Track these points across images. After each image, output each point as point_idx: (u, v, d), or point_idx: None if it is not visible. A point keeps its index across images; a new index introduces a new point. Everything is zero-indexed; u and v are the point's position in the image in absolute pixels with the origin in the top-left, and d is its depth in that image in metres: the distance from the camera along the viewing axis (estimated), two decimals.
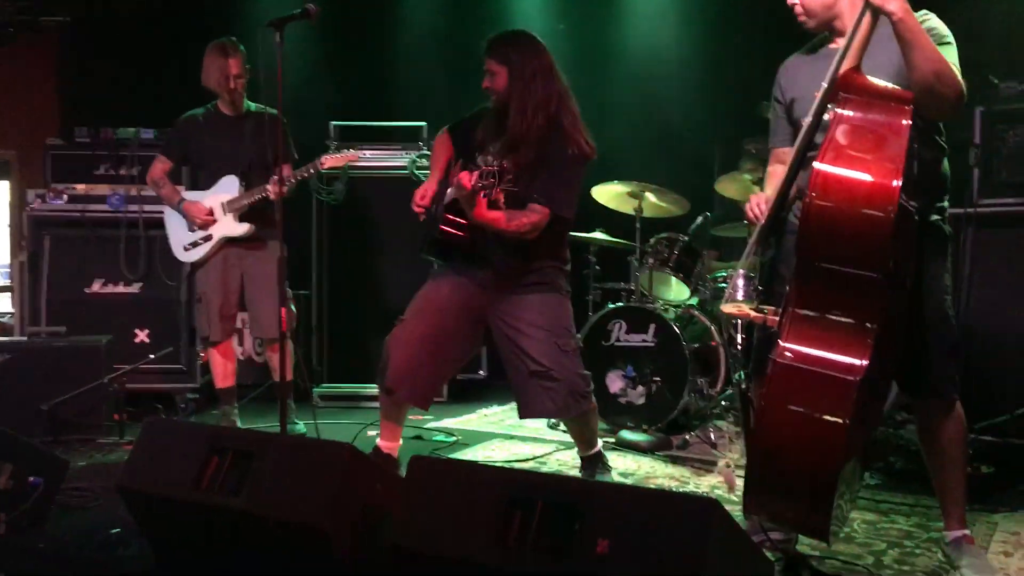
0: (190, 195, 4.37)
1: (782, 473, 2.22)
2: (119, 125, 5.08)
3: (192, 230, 4.34)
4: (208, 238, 4.30)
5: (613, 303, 4.73)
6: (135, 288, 4.97)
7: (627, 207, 4.85)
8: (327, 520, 2.15)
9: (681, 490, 3.51)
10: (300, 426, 4.43)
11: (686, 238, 4.76)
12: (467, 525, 1.98)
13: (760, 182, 4.37)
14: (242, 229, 4.24)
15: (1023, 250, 3.60)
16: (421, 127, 5.44)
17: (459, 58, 5.56)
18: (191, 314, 4.95)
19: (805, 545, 2.73)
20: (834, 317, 2.21)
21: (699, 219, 4.88)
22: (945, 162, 2.56)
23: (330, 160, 4.20)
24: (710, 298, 4.71)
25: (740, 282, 4.64)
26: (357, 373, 5.26)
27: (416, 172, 5.18)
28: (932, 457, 2.61)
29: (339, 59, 6.31)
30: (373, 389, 4.94)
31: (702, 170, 5.90)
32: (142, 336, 4.96)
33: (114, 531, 2.87)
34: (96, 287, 4.96)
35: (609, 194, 4.85)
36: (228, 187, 4.30)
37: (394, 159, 5.34)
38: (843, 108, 2.23)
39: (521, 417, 3.38)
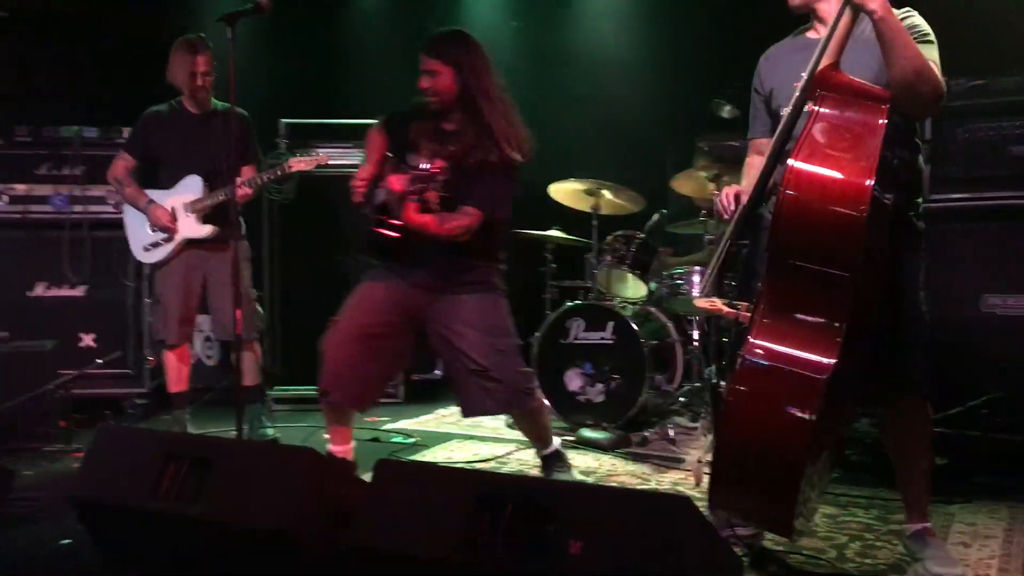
0: (153, 195, 4.22)
1: (747, 469, 2.23)
2: (61, 123, 4.93)
3: (153, 230, 4.22)
4: (169, 239, 4.19)
5: (570, 301, 4.73)
6: (79, 291, 4.83)
7: (583, 205, 4.85)
8: (292, 525, 2.11)
9: (643, 487, 3.51)
10: (270, 430, 4.33)
11: (643, 235, 4.77)
12: (436, 528, 1.95)
13: (716, 179, 4.40)
14: (205, 231, 4.13)
15: (973, 245, 3.65)
16: (373, 124, 5.36)
17: (411, 54, 5.50)
18: (139, 316, 4.84)
19: (769, 540, 2.75)
20: (803, 315, 2.22)
21: (655, 216, 4.89)
22: (920, 160, 2.59)
23: (298, 163, 4.12)
24: (667, 295, 4.73)
25: (696, 278, 4.67)
26: (311, 375, 5.16)
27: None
28: (898, 451, 2.64)
29: (289, 55, 6.21)
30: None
31: (655, 168, 5.93)
32: (88, 340, 4.82)
33: (65, 542, 2.79)
34: (39, 290, 4.81)
35: (565, 192, 4.85)
36: (191, 187, 4.17)
37: (346, 157, 5.26)
38: (820, 105, 2.24)
39: (464, 416, 3.35)
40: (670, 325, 4.66)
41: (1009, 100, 3.61)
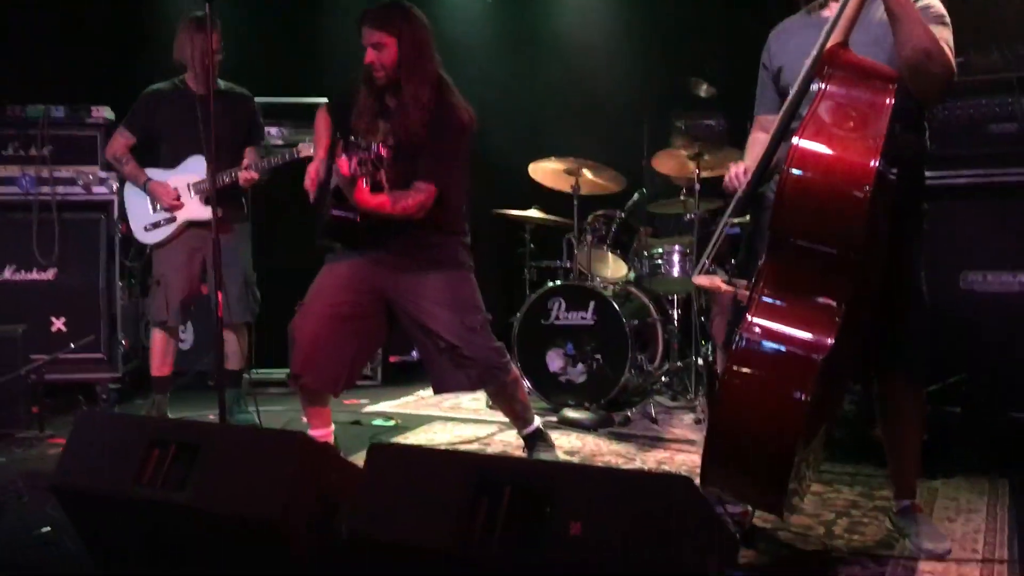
0: (155, 174, 4.15)
1: (740, 447, 2.22)
2: (27, 102, 4.79)
3: (155, 210, 4.13)
4: (172, 219, 4.10)
5: (549, 281, 4.71)
6: (49, 274, 4.71)
7: (563, 185, 4.82)
8: (282, 512, 2.07)
9: (629, 467, 3.51)
10: (251, 416, 4.26)
11: (623, 215, 4.75)
12: (432, 513, 1.92)
13: (697, 157, 4.39)
14: (208, 213, 3.97)
15: (953, 223, 3.66)
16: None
17: None
18: (112, 300, 4.74)
19: (758, 517, 2.75)
20: (803, 294, 2.21)
21: (635, 196, 4.87)
22: (926, 140, 2.58)
23: (307, 149, 4.05)
24: (647, 275, 4.72)
25: (676, 257, 4.67)
26: (287, 359, 5.11)
27: None
28: (890, 430, 2.65)
29: (262, 34, 6.09)
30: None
31: (632, 147, 5.91)
32: (59, 324, 4.71)
33: (44, 530, 2.72)
34: (7, 274, 4.68)
35: (545, 171, 4.81)
36: (195, 168, 4.09)
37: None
38: (827, 84, 2.22)
39: (435, 392, 3.34)
40: (650, 305, 4.65)
41: (988, 78, 3.62)
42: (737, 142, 5.25)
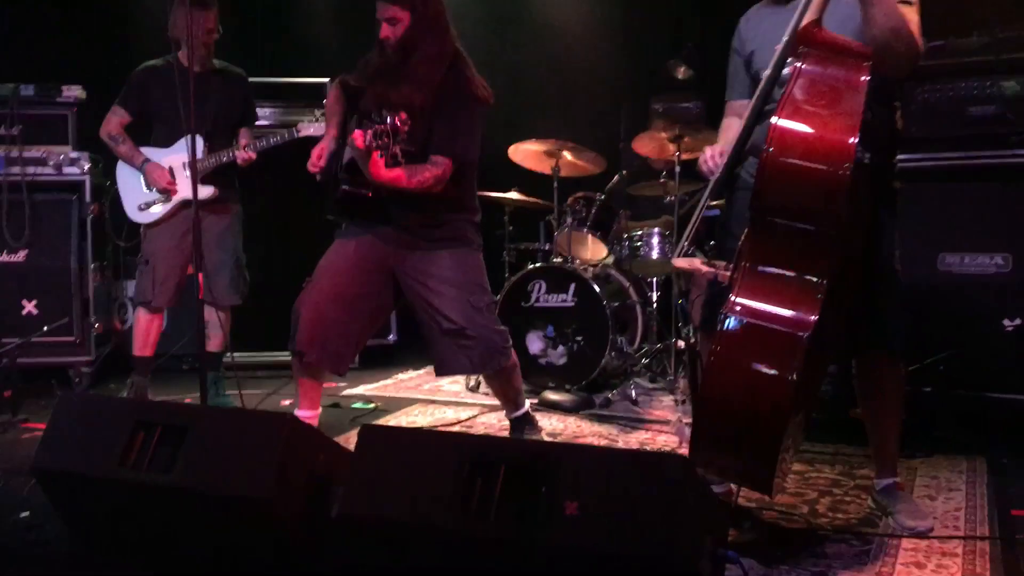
0: (148, 153, 4.08)
1: (729, 427, 2.23)
2: None
3: (148, 189, 4.07)
4: (166, 199, 4.05)
5: (528, 263, 4.70)
6: (20, 256, 4.62)
7: (543, 166, 4.81)
8: (271, 493, 2.05)
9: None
10: (229, 399, 4.22)
11: (603, 197, 4.75)
12: (426, 494, 1.91)
13: (678, 140, 4.39)
14: (206, 192, 3.95)
15: (931, 204, 3.70)
16: (323, 84, 5.22)
17: (363, 11, 5.37)
18: (84, 282, 4.66)
19: (743, 497, 2.77)
20: (786, 272, 2.22)
21: (615, 178, 4.87)
22: (897, 119, 2.59)
23: (307, 128, 3.99)
24: (626, 257, 4.72)
25: (655, 240, 4.67)
26: (262, 341, 5.07)
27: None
28: (871, 408, 2.67)
29: (237, 11, 6.00)
30: (280, 357, 4.80)
31: (609, 130, 5.92)
32: (30, 307, 4.63)
33: (23, 515, 2.68)
34: None
35: (525, 153, 4.79)
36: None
37: (299, 117, 5.10)
38: (803, 62, 2.22)
39: (438, 375, 3.33)
40: (630, 287, 4.66)
41: (968, 61, 3.64)
42: (715, 124, 5.26)
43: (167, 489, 2.13)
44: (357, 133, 2.94)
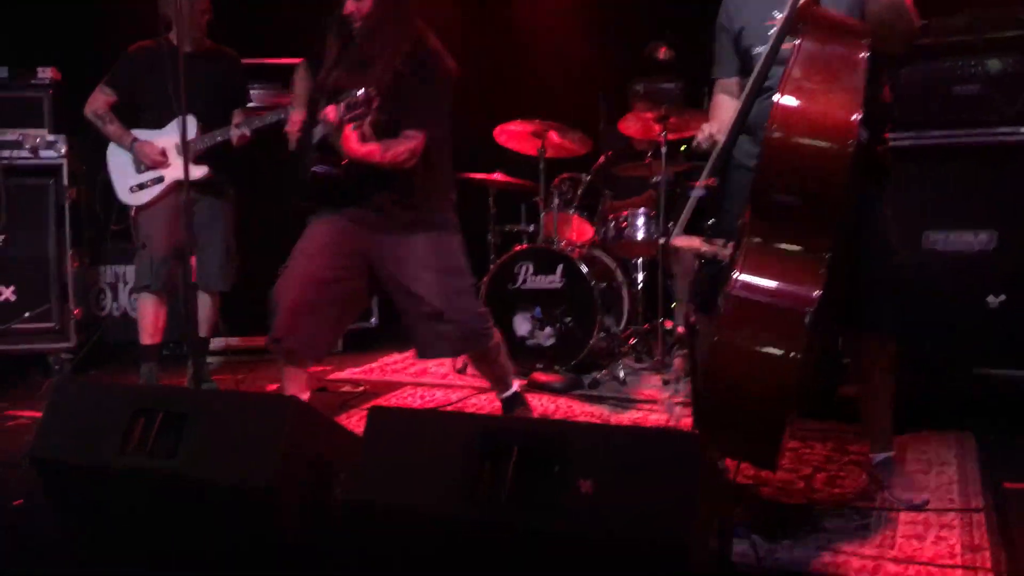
0: (140, 135, 4.00)
1: (733, 405, 2.23)
2: None
3: (140, 171, 3.98)
4: (159, 180, 3.96)
5: (512, 245, 4.68)
6: None
7: (529, 147, 4.78)
8: (275, 478, 2.02)
9: None
10: (214, 384, 4.16)
11: (588, 177, 4.73)
12: (436, 476, 1.90)
13: (662, 120, 4.38)
14: (199, 172, 3.87)
15: (915, 183, 3.72)
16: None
17: None
18: (62, 268, 4.58)
19: (741, 474, 2.78)
20: (788, 248, 2.21)
21: (601, 158, 4.86)
22: (887, 95, 2.60)
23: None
24: (612, 238, 4.71)
25: (640, 220, 4.67)
26: (247, 326, 5.00)
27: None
28: (865, 384, 2.69)
29: None
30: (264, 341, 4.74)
31: (589, 110, 5.89)
32: (7, 294, 4.54)
33: (16, 504, 2.63)
34: None
35: (511, 134, 4.76)
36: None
37: (281, 98, 5.04)
38: (802, 40, 2.21)
39: (419, 357, 3.30)
40: (616, 268, 4.66)
41: (953, 40, 3.66)
42: (695, 105, 5.28)
43: (169, 476, 2.10)
44: (330, 108, 2.91)
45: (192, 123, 3.92)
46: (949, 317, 3.58)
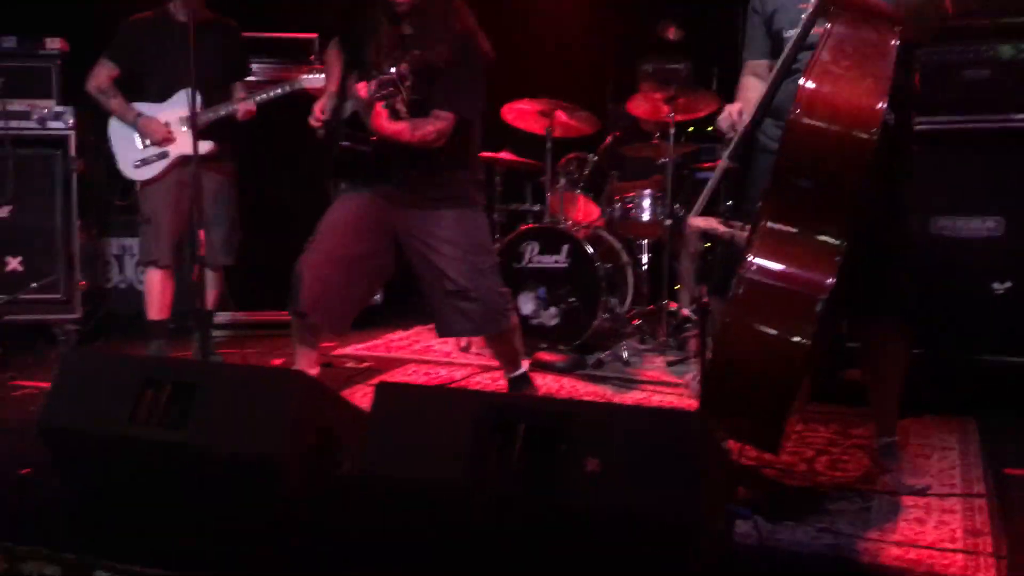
0: (143, 108, 3.96)
1: (741, 388, 2.23)
2: None
3: (143, 145, 3.95)
4: (164, 155, 3.93)
5: (518, 224, 4.68)
6: (4, 212, 4.51)
7: (536, 126, 4.77)
8: (283, 449, 2.05)
9: None
10: (219, 358, 4.17)
11: (595, 158, 4.72)
12: (443, 450, 1.91)
13: (670, 101, 4.37)
14: (205, 147, 3.78)
15: (924, 168, 3.65)
16: (312, 40, 5.12)
17: None
18: (69, 238, 4.58)
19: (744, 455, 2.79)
20: (805, 234, 2.21)
21: (608, 139, 4.85)
22: (915, 82, 2.58)
23: (310, 81, 3.86)
24: (618, 218, 4.71)
25: (646, 202, 4.66)
26: (254, 301, 5.01)
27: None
28: (874, 369, 2.69)
29: None
30: (272, 316, 4.77)
31: (596, 90, 5.87)
32: (14, 264, 4.54)
33: (23, 471, 2.64)
34: None
35: (519, 112, 4.75)
36: (187, 101, 3.82)
37: (291, 73, 5.00)
38: (832, 25, 2.20)
39: (440, 336, 3.32)
40: (621, 249, 4.66)
41: (962, 25, 3.62)
42: (704, 85, 5.27)
43: (179, 446, 2.11)
44: (361, 84, 2.91)
45: (196, 96, 3.90)
46: (955, 303, 3.58)
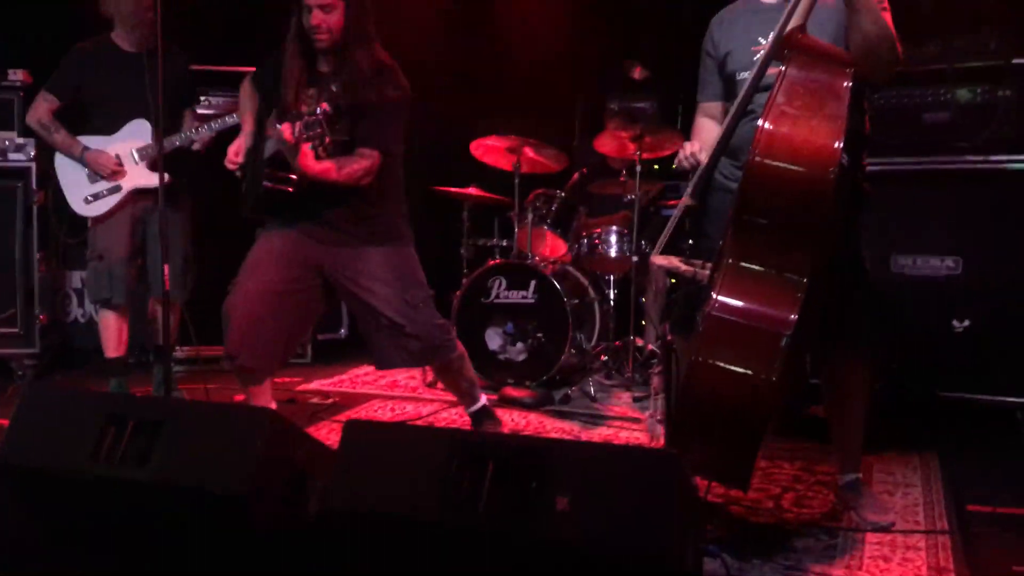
0: (92, 142, 3.85)
1: (709, 425, 2.26)
2: None
3: (93, 180, 3.86)
4: (116, 189, 3.85)
5: (486, 259, 4.70)
6: None
7: (504, 162, 4.81)
8: (251, 489, 2.01)
9: None
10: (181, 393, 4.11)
11: (562, 194, 4.77)
12: (412, 490, 1.90)
13: (637, 139, 4.43)
14: (157, 179, 3.66)
15: (885, 208, 3.76)
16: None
17: None
18: (29, 271, 4.51)
19: (711, 493, 2.81)
20: (767, 271, 2.25)
21: (576, 175, 4.90)
22: (866, 122, 2.65)
23: None
24: (585, 254, 4.75)
25: (613, 237, 4.70)
26: (216, 335, 4.95)
27: None
28: (836, 405, 2.73)
29: None
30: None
31: (562, 127, 5.93)
32: None
33: None
34: None
35: (487, 149, 4.78)
36: (138, 132, 3.85)
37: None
38: (788, 66, 2.25)
39: (378, 369, 3.31)
40: (588, 284, 4.69)
41: (924, 69, 3.74)
42: (670, 123, 5.35)
43: (142, 485, 2.08)
44: (286, 126, 2.88)
45: (146, 127, 3.86)
46: (916, 340, 3.65)
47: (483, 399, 3.50)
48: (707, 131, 2.73)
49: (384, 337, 3.13)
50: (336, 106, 2.87)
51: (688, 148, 2.57)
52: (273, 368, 3.25)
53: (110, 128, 3.89)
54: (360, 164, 2.99)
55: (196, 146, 3.92)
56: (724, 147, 2.48)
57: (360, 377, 4.87)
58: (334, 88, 2.98)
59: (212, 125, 3.90)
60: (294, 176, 2.97)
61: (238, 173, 3.14)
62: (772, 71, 2.37)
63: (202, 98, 4.86)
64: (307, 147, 2.86)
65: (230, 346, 3.07)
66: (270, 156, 3.04)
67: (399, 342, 3.12)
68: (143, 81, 3.79)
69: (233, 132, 3.99)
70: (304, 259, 3.13)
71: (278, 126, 2.92)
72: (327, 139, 2.85)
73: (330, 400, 4.27)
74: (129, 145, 3.86)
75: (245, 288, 3.08)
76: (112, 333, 3.95)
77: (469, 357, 4.33)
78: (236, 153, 3.11)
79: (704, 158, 2.50)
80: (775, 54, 2.35)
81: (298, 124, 2.84)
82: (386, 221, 3.17)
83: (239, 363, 3.11)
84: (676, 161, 2.62)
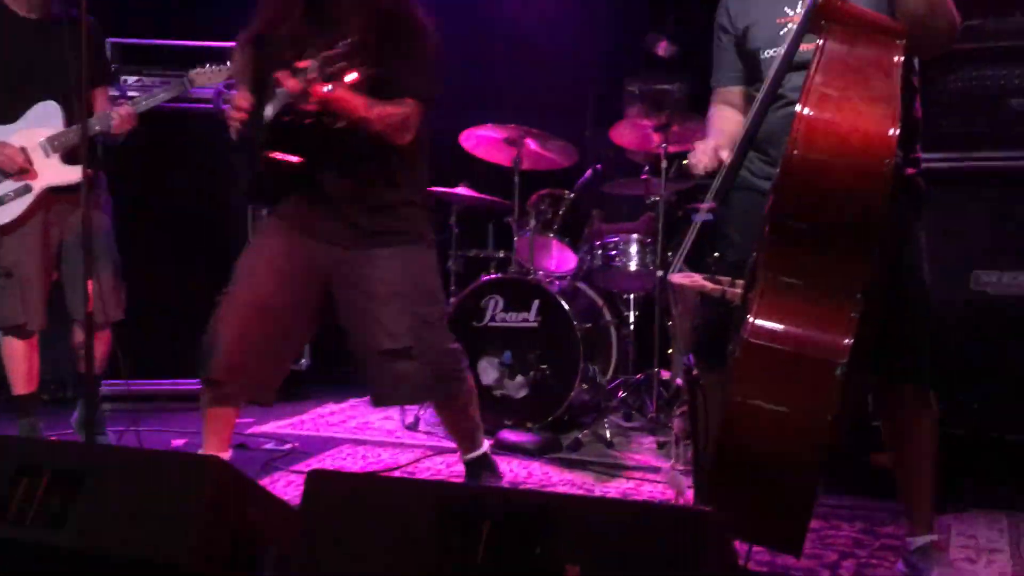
0: None
1: (751, 476, 2.25)
2: None
3: None
4: (25, 190, 3.78)
5: (479, 273, 4.71)
6: None
7: (501, 157, 4.83)
8: (192, 555, 2.01)
9: None
10: (107, 437, 4.10)
11: (572, 195, 4.79)
12: (389, 558, 1.90)
13: (662, 128, 4.45)
14: (74, 175, 3.71)
15: (964, 213, 3.79)
16: (230, 49, 5.14)
17: None
18: None
19: (752, 561, 2.80)
20: (812, 287, 2.25)
21: (588, 172, 4.92)
22: (918, 105, 2.66)
23: (202, 77, 3.83)
24: (599, 268, 4.76)
25: (634, 248, 4.72)
26: (149, 367, 4.96)
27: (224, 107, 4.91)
28: (902, 453, 2.74)
29: None
30: (170, 386, 4.75)
31: (573, 115, 5.96)
32: None
33: None
34: None
35: (480, 140, 4.81)
36: (46, 117, 3.81)
37: (195, 90, 5.03)
38: (826, 40, 2.26)
39: (374, 405, 3.32)
40: (603, 305, 4.71)
41: (1010, 45, 3.75)
42: (701, 109, 5.37)
43: (59, 550, 2.08)
44: (285, 74, 2.81)
45: (56, 111, 3.81)
46: (1001, 373, 3.64)
47: (485, 445, 3.50)
48: (727, 121, 2.74)
49: (383, 365, 3.10)
50: (353, 43, 2.80)
51: (701, 147, 2.57)
52: (265, 397, 3.29)
53: (10, 115, 3.83)
54: (401, 109, 2.96)
55: (115, 128, 3.81)
56: (751, 140, 2.48)
57: (324, 417, 4.88)
58: (347, 32, 2.87)
59: (143, 100, 3.85)
60: (299, 143, 2.91)
61: (236, 132, 3.02)
62: (806, 46, 2.38)
63: (132, 79, 4.88)
64: (321, 86, 2.78)
65: (218, 371, 3.06)
66: (273, 120, 2.96)
67: (401, 370, 3.09)
68: (48, 53, 3.72)
69: (165, 115, 3.99)
70: (307, 264, 3.14)
71: (282, 79, 2.85)
72: (349, 71, 2.77)
73: (288, 446, 4.27)
74: (36, 134, 3.81)
75: (240, 301, 3.09)
76: (20, 365, 3.93)
77: None
78: (245, 101, 3.00)
79: (726, 156, 2.50)
80: (809, 25, 2.35)
81: (310, 62, 2.76)
82: (408, 214, 3.17)
83: (225, 391, 3.11)
84: (689, 163, 2.61)
